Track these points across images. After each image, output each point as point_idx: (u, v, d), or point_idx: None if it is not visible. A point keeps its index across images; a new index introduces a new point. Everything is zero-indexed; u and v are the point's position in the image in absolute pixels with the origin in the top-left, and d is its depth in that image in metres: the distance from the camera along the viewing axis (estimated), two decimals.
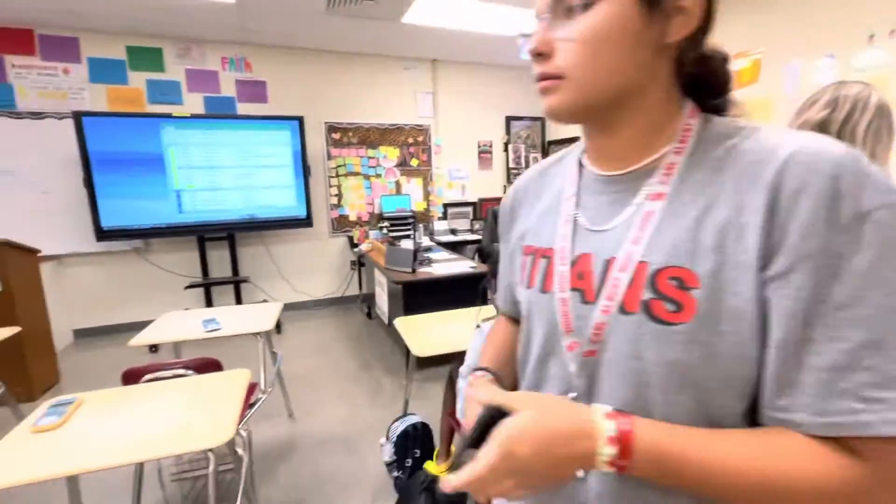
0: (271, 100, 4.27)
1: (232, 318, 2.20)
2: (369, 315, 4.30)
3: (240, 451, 1.52)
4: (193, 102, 4.03)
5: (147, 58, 3.85)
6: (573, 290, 0.50)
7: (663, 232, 0.44)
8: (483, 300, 1.65)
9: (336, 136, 4.56)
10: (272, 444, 2.31)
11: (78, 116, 3.44)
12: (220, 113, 4.05)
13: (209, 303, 4.10)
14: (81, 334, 3.87)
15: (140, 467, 1.66)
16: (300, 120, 4.08)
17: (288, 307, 4.55)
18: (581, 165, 0.57)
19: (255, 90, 4.22)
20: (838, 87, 1.04)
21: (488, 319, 1.51)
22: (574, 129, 3.66)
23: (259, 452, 2.23)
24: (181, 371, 1.56)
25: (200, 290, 4.10)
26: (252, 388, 2.03)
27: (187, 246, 4.08)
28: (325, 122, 4.50)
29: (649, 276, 0.44)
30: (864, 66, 2.52)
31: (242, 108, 4.18)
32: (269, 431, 2.42)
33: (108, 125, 3.54)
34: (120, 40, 3.76)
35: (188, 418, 1.26)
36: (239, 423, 1.70)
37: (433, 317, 2.12)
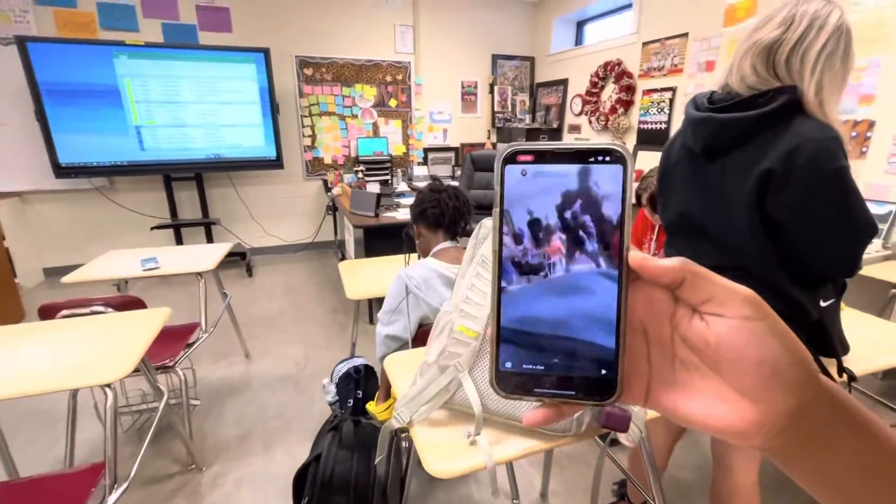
0: (236, 29, 3.98)
1: (174, 258, 2.13)
2: (342, 260, 4.26)
3: (162, 387, 1.51)
4: (151, 29, 3.75)
5: None
6: None
7: None
8: (410, 245, 1.58)
9: (308, 71, 4.29)
10: (224, 382, 2.33)
11: (22, 42, 3.20)
12: (179, 42, 3.78)
13: (179, 245, 4.04)
14: (52, 273, 3.85)
15: (73, 401, 1.66)
16: (265, 52, 3.81)
17: (260, 251, 4.51)
18: None
19: (217, 18, 3.91)
20: (798, 2, 0.90)
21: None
22: (564, 71, 3.47)
23: (210, 390, 2.26)
24: (100, 308, 1.51)
25: (170, 232, 4.03)
26: (194, 327, 2.01)
27: (153, 185, 3.96)
28: (296, 56, 4.22)
29: None
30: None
31: (204, 38, 3.90)
32: (222, 371, 2.44)
33: (57, 52, 3.31)
34: None
35: (91, 354, 1.22)
36: (172, 361, 1.70)
37: (378, 261, 2.06)
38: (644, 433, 0.90)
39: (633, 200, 0.23)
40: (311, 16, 4.18)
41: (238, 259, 4.12)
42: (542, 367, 0.23)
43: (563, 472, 1.74)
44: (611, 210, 0.22)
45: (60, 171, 3.47)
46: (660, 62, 3.54)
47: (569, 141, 0.23)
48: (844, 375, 1.01)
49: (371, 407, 1.92)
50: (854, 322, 1.34)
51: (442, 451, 0.86)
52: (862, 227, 0.86)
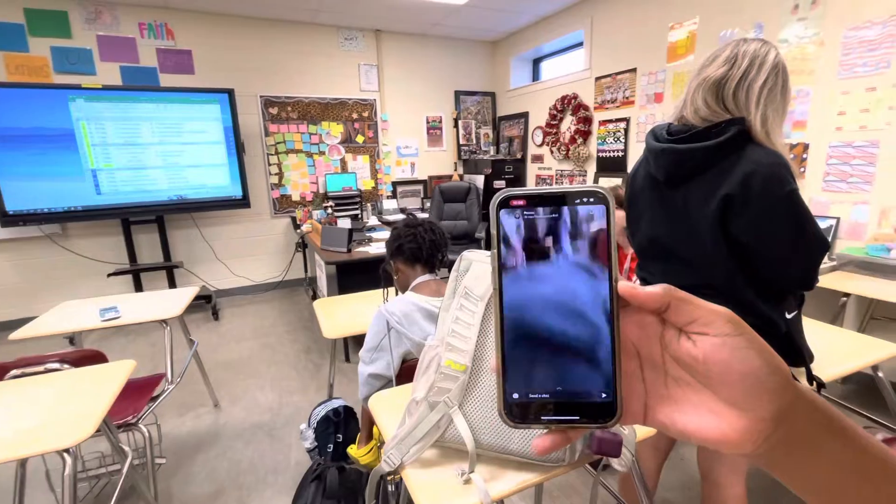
0: (198, 71, 3.96)
1: (136, 306, 2.03)
2: (314, 297, 4.16)
3: (125, 447, 1.40)
4: (108, 73, 3.68)
5: (50, 22, 3.46)
6: None
7: None
8: (388, 282, 1.57)
9: (273, 110, 4.30)
10: (192, 436, 2.19)
11: None
12: (139, 85, 3.72)
13: (139, 291, 3.84)
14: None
15: (21, 470, 1.51)
16: (230, 93, 3.81)
17: (226, 293, 4.35)
18: None
19: (179, 60, 3.90)
20: (738, 43, 1.00)
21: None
22: (524, 105, 3.63)
23: (177, 445, 2.11)
24: (55, 365, 1.40)
25: (128, 278, 3.84)
26: (159, 379, 1.89)
27: (110, 230, 3.79)
28: (261, 96, 4.23)
29: None
30: (787, 37, 2.54)
31: (166, 80, 3.86)
32: (190, 423, 2.29)
33: (7, 97, 3.18)
34: (17, 1, 3.36)
35: (47, 417, 1.12)
36: (135, 418, 1.58)
37: (354, 297, 2.03)
38: (635, 457, 0.91)
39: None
40: (275, 57, 4.23)
41: (203, 302, 3.95)
42: (547, 396, 0.25)
43: (555, 502, 1.71)
44: (598, 245, 0.24)
45: (7, 218, 3.27)
46: (612, 95, 3.77)
47: (554, 186, 0.25)
48: (814, 383, 1.06)
49: (353, 451, 1.84)
50: (811, 331, 1.42)
51: (436, 491, 0.83)
52: (815, 243, 0.93)
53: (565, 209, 0.25)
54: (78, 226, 3.70)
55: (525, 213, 0.25)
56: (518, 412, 0.25)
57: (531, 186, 0.26)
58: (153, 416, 1.86)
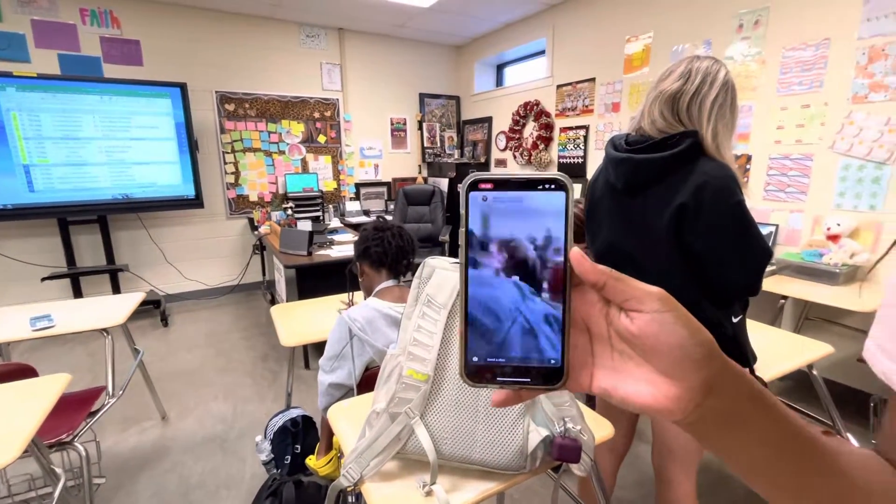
0: (147, 63, 3.74)
1: (73, 313, 1.87)
2: (273, 302, 4.02)
3: (57, 469, 1.28)
4: (45, 61, 3.41)
5: None
6: None
7: None
8: (353, 283, 1.53)
9: (230, 107, 4.13)
10: (136, 452, 2.05)
11: None
12: (80, 75, 3.46)
13: (78, 296, 3.57)
14: None
15: None
16: (182, 87, 3.62)
17: (177, 297, 4.13)
18: None
19: (126, 50, 3.66)
20: (692, 60, 1.04)
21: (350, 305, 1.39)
22: (488, 110, 3.66)
23: (118, 463, 1.96)
24: None
25: (66, 283, 3.56)
26: (98, 392, 1.76)
27: (46, 231, 3.50)
28: (216, 91, 4.05)
29: None
30: (732, 54, 2.70)
31: (111, 71, 3.62)
32: (133, 439, 2.14)
33: None
34: None
35: None
36: (70, 436, 1.46)
37: (314, 302, 1.97)
38: (593, 462, 0.92)
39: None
40: (232, 51, 4.07)
41: (151, 308, 3.72)
42: (503, 360, 0.27)
43: None
44: (557, 227, 0.27)
45: None
46: (573, 103, 3.88)
47: (521, 172, 0.27)
48: None
49: (311, 462, 1.78)
50: (754, 332, 1.51)
51: None
52: (759, 252, 0.99)
53: (528, 193, 0.27)
54: (7, 225, 3.39)
55: (491, 194, 0.27)
56: (476, 373, 0.28)
57: (501, 171, 0.27)
58: (91, 432, 1.73)
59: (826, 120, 2.32)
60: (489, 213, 0.27)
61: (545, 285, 0.27)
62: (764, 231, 2.49)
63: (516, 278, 0.27)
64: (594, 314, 0.28)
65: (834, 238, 2.24)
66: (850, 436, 1.86)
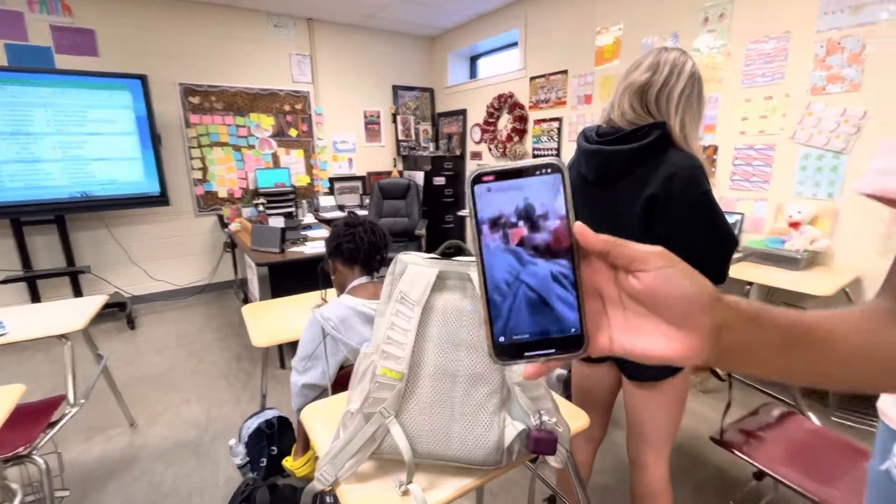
0: (103, 53, 3.55)
1: (29, 319, 1.77)
2: (246, 301, 3.92)
3: (13, 485, 1.22)
4: None
5: None
6: None
7: None
8: (326, 281, 1.50)
9: (195, 100, 3.97)
10: (102, 462, 1.96)
11: None
12: (28, 66, 3.26)
13: (36, 301, 3.39)
14: None
15: None
16: (143, 79, 3.45)
17: (144, 298, 3.98)
18: None
19: (79, 40, 3.47)
20: (660, 51, 1.04)
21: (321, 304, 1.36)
22: (462, 102, 3.63)
23: (83, 474, 1.88)
24: None
25: (22, 287, 3.38)
26: (58, 401, 1.68)
27: None
28: (180, 84, 3.88)
29: None
30: (699, 46, 2.75)
31: (63, 62, 3.42)
32: (99, 448, 2.05)
33: None
34: None
35: None
36: (27, 449, 1.39)
37: (286, 301, 1.92)
38: (569, 453, 0.93)
39: None
40: (196, 42, 3.90)
41: (117, 310, 3.57)
42: (528, 336, 0.29)
43: (496, 499, 1.73)
44: (559, 206, 0.28)
45: None
46: (546, 95, 3.90)
47: (518, 161, 0.29)
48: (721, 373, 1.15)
49: (288, 463, 1.75)
50: None
51: None
52: (726, 240, 1.01)
53: (528, 179, 0.28)
54: None
55: (495, 185, 0.28)
56: (505, 352, 0.29)
57: (500, 163, 0.32)
58: (52, 443, 1.65)
59: (787, 111, 2.40)
60: (496, 201, 0.28)
61: (557, 260, 0.29)
62: (730, 219, 2.57)
63: (529, 258, 0.29)
64: (604, 281, 0.30)
65: (795, 225, 2.33)
66: (811, 415, 1.94)
